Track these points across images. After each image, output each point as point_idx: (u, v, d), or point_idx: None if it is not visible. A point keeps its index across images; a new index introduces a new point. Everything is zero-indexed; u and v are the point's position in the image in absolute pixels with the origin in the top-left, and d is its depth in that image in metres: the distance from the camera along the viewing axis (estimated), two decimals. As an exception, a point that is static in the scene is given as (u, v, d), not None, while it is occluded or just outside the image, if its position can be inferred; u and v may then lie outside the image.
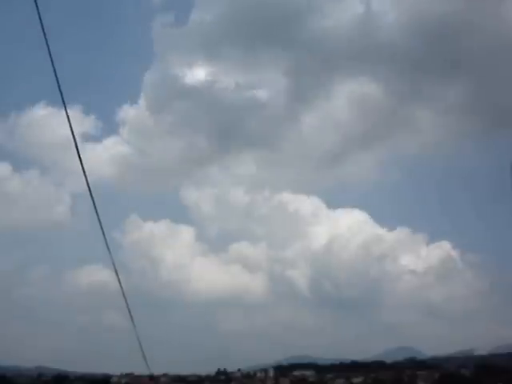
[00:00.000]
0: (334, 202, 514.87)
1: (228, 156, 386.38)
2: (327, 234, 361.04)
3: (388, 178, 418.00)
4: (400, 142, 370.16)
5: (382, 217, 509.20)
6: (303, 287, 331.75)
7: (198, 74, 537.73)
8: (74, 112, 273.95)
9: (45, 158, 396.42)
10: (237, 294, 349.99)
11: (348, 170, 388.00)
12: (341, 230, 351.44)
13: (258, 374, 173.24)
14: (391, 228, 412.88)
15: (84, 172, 11.15)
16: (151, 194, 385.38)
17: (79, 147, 11.10)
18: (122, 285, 14.29)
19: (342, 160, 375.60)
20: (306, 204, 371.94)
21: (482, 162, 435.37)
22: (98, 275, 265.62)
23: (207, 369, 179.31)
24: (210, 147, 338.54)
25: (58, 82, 10.69)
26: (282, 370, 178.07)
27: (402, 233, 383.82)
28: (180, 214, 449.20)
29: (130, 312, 15.43)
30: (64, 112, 10.98)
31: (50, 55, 10.43)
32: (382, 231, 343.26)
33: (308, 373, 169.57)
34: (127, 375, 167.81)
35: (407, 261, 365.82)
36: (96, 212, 12.07)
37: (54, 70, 10.61)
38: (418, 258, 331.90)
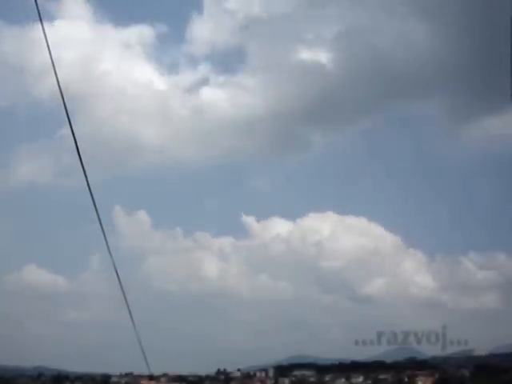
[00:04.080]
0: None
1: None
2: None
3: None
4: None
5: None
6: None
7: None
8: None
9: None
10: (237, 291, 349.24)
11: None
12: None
13: (258, 374, 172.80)
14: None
15: (84, 171, 10.98)
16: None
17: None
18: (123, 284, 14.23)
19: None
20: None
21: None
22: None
23: (207, 369, 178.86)
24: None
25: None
26: (282, 370, 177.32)
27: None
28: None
29: (130, 312, 15.37)
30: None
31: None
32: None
33: (308, 373, 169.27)
34: (127, 375, 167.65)
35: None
36: (96, 211, 11.95)
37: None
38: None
